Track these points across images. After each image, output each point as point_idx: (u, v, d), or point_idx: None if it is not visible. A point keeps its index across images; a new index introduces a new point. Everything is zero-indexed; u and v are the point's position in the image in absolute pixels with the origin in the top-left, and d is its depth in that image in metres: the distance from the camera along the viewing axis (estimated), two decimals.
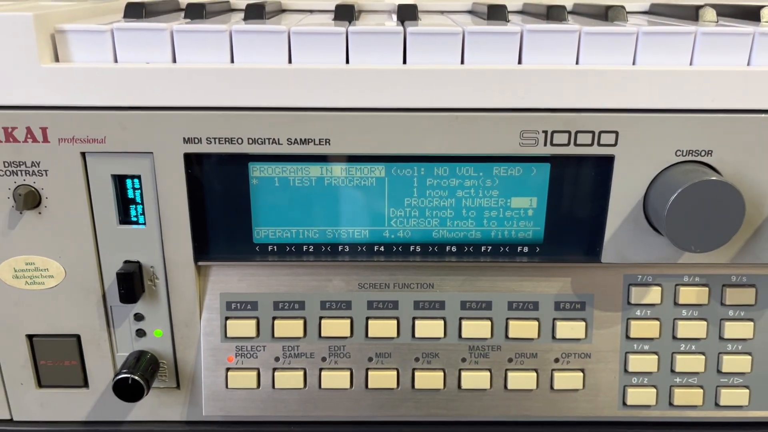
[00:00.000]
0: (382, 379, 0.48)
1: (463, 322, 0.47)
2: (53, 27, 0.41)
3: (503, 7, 0.49)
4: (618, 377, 0.48)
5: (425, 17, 0.54)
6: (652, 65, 0.41)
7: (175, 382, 0.49)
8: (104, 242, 0.45)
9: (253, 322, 0.47)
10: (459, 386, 0.48)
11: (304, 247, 0.46)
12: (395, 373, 0.48)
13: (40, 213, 0.44)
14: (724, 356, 0.48)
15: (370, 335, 0.47)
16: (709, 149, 0.42)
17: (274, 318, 0.47)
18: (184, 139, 0.42)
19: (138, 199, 0.44)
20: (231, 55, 0.41)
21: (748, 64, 0.42)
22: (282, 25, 0.42)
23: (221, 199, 0.45)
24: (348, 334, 0.47)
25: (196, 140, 0.42)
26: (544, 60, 0.41)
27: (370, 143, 0.42)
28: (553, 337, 0.47)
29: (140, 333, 0.48)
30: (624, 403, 0.49)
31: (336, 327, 0.47)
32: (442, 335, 0.47)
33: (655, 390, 0.48)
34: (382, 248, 0.46)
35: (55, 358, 0.48)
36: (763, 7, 0.49)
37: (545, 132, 0.42)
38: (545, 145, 0.42)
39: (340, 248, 0.46)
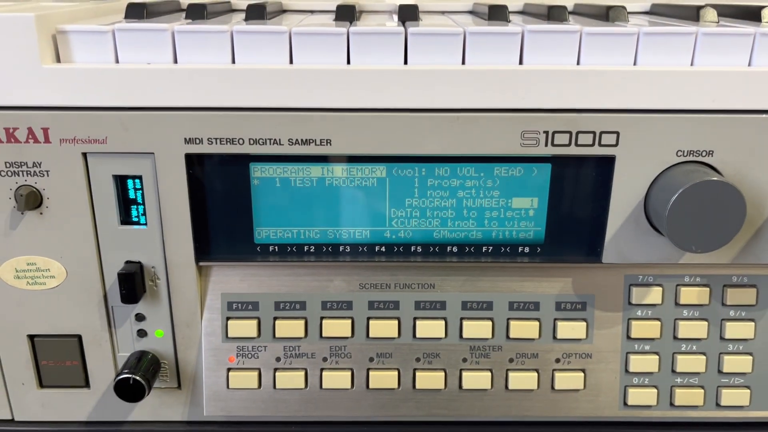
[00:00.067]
0: (383, 379, 0.48)
1: (464, 323, 0.47)
2: (55, 27, 0.41)
3: (504, 7, 0.49)
4: (619, 377, 0.48)
5: (426, 17, 0.54)
6: (653, 65, 0.41)
7: (176, 382, 0.49)
8: (105, 242, 0.45)
9: (254, 322, 0.47)
10: (460, 386, 0.48)
11: (306, 248, 0.46)
12: (396, 373, 0.48)
13: (41, 213, 0.44)
14: (725, 356, 0.48)
15: (371, 335, 0.47)
16: (710, 149, 0.42)
17: (275, 318, 0.47)
18: (185, 139, 0.42)
19: (139, 200, 0.44)
20: (232, 56, 0.41)
21: (749, 65, 0.42)
22: (283, 25, 0.42)
23: (222, 199, 0.45)
24: (349, 335, 0.47)
25: (198, 141, 0.42)
26: (545, 60, 0.41)
27: (371, 143, 0.42)
28: (554, 338, 0.47)
29: (141, 333, 0.48)
30: (625, 404, 0.49)
31: (337, 327, 0.47)
32: (443, 335, 0.47)
33: (656, 390, 0.48)
34: (383, 248, 0.46)
35: (57, 359, 0.48)
36: (763, 7, 0.49)
37: (546, 132, 0.42)
38: (546, 145, 0.42)
39: (341, 248, 0.46)
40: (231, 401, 0.48)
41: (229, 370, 0.47)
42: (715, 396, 0.49)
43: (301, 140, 0.42)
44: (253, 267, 0.47)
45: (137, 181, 0.44)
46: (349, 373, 0.48)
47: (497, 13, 0.49)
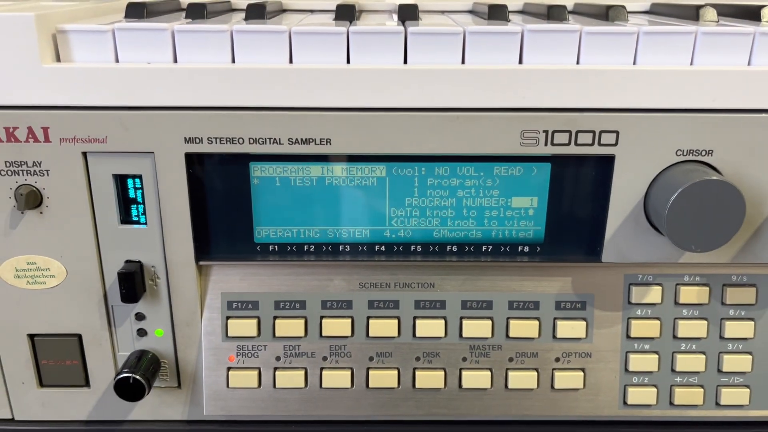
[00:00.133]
0: (383, 378, 0.48)
1: (464, 322, 0.47)
2: (55, 27, 0.41)
3: (504, 6, 0.49)
4: (618, 377, 0.48)
5: (426, 17, 0.54)
6: (653, 65, 0.41)
7: (176, 381, 0.49)
8: (105, 242, 0.45)
9: (254, 321, 0.47)
10: (460, 385, 0.48)
11: (305, 247, 0.46)
12: (396, 372, 0.48)
13: (41, 213, 0.44)
14: (724, 355, 0.48)
15: (371, 335, 0.47)
16: (709, 149, 0.42)
17: (275, 317, 0.47)
18: (185, 138, 0.42)
19: (139, 199, 0.44)
20: (232, 55, 0.41)
21: (749, 64, 0.42)
22: (283, 25, 0.42)
23: (222, 198, 0.45)
24: (349, 334, 0.47)
25: (197, 140, 0.42)
26: (545, 60, 0.41)
27: (370, 143, 0.42)
28: (554, 337, 0.47)
29: (141, 332, 0.48)
30: (624, 403, 0.49)
31: (337, 326, 0.47)
32: (442, 335, 0.47)
33: (655, 389, 0.48)
34: (383, 248, 0.46)
35: (57, 358, 0.48)
36: (763, 6, 0.49)
37: (546, 132, 0.42)
38: (546, 144, 0.42)
39: (341, 248, 0.46)
40: (231, 400, 0.48)
41: (229, 369, 0.48)
42: (715, 395, 0.49)
43: (301, 140, 0.42)
44: (253, 266, 0.47)
45: (137, 180, 0.44)
46: (348, 373, 0.48)
47: (497, 13, 0.49)
